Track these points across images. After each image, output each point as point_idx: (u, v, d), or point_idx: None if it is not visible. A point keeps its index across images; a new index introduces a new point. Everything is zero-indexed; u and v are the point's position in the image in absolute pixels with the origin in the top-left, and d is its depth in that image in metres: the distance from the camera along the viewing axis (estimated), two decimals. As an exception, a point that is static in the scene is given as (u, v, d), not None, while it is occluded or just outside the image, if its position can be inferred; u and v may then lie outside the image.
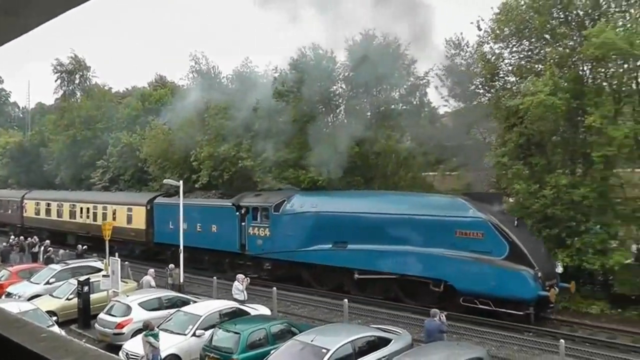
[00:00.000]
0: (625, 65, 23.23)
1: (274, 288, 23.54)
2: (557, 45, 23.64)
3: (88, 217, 40.76)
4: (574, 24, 23.67)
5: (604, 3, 23.19)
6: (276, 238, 27.99)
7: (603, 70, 23.90)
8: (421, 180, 32.15)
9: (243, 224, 29.58)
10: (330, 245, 25.67)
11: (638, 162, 24.63)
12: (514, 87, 26.16)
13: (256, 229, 28.90)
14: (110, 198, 40.80)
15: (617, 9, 23.32)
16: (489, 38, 26.65)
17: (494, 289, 20.61)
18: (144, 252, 37.02)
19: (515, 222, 21.90)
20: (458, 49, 28.00)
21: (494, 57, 26.71)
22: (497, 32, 26.11)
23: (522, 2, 25.29)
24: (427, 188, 30.74)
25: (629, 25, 22.50)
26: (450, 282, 21.98)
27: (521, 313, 20.20)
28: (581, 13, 23.50)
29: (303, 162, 30.39)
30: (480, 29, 26.81)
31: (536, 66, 24.43)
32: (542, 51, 24.06)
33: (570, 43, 23.48)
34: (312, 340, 14.23)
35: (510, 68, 26.45)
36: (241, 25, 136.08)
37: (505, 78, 26.89)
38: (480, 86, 27.73)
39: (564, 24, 23.86)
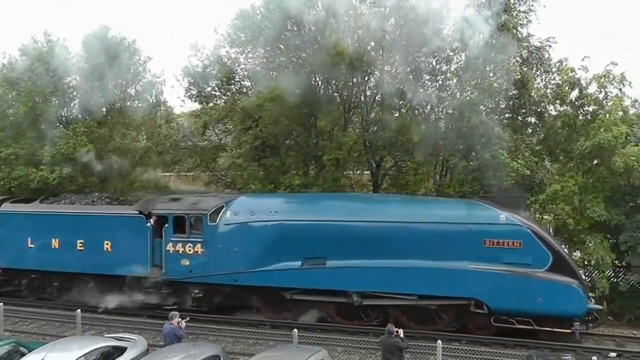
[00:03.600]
0: (355, 79, 24.68)
1: (0, 304, 19.78)
2: (292, 56, 24.05)
3: None
4: (306, 37, 24.02)
5: (334, 22, 23.73)
6: (213, 256, 20.94)
7: (334, 82, 24.97)
8: (157, 180, 30.51)
9: (158, 239, 21.93)
10: (300, 263, 19.87)
11: (366, 165, 26.39)
12: (249, 92, 26.17)
13: (180, 245, 21.42)
14: None
15: (346, 29, 24.02)
16: (226, 42, 26.25)
17: (540, 305, 17.58)
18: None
19: (550, 228, 19.48)
20: (195, 50, 26.95)
21: (230, 61, 26.38)
22: (234, 37, 25.81)
23: (258, 12, 25.26)
24: (162, 188, 29.26)
25: (357, 45, 23.67)
26: (481, 300, 18.26)
27: (569, 330, 17.92)
28: (313, 28, 23.91)
29: (35, 159, 26.59)
30: (217, 32, 26.45)
31: (271, 73, 24.53)
32: (276, 60, 24.31)
33: (304, 55, 24.02)
34: (43, 359, 13.21)
35: (246, 73, 26.40)
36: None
37: (241, 82, 26.77)
38: (216, 88, 27.23)
39: (297, 37, 24.16)
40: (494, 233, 18.19)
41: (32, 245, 23.70)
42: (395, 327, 14.84)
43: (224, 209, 21.06)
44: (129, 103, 29.99)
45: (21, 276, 24.34)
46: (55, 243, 23.33)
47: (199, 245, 21.18)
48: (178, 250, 21.48)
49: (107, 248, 22.54)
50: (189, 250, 21.33)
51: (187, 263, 21.35)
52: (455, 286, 18.29)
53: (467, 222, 18.57)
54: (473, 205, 19.38)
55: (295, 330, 16.50)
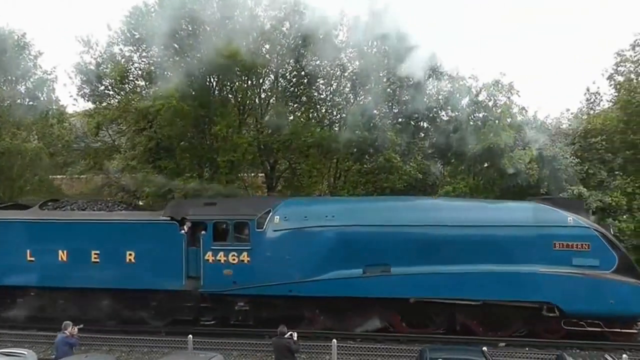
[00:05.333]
0: (249, 82, 24.62)
1: None
2: (186, 56, 23.55)
3: None
4: (201, 38, 23.64)
5: (228, 23, 23.57)
6: (262, 265, 19.02)
7: (229, 84, 24.80)
8: (49, 183, 29.29)
9: (193, 247, 19.62)
10: (361, 271, 18.53)
11: (261, 167, 26.37)
12: (143, 92, 25.44)
13: (222, 253, 19.26)
14: None
15: (241, 30, 23.67)
16: (119, 40, 25.45)
17: (612, 307, 17.43)
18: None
19: (611, 230, 19.11)
20: (87, 46, 25.86)
21: (124, 60, 25.54)
22: (128, 34, 25.09)
23: (152, 9, 24.69)
24: (55, 192, 28.21)
25: (251, 46, 23.64)
26: (555, 303, 17.81)
27: (635, 331, 18.05)
28: (208, 28, 23.70)
29: None
30: (110, 29, 25.43)
31: (165, 73, 23.83)
32: (171, 59, 23.71)
33: (198, 55, 23.46)
34: None
35: (140, 72, 25.64)
36: None
37: (135, 81, 25.99)
38: (110, 87, 26.16)
39: (192, 37, 23.86)
40: (563, 236, 17.91)
41: (32, 259, 20.46)
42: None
43: (270, 213, 19.36)
44: (19, 101, 28.59)
45: (15, 294, 20.95)
46: (62, 255, 20.25)
47: (244, 254, 19.17)
48: (219, 260, 19.30)
49: (129, 259, 19.83)
50: (233, 260, 19.26)
51: (231, 273, 19.26)
52: (528, 290, 17.83)
53: (536, 224, 18.14)
54: (539, 208, 18.75)
55: (190, 336, 16.37)
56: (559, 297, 17.69)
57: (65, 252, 20.13)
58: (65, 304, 20.41)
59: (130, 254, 19.77)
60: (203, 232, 19.43)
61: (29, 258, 20.44)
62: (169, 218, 19.85)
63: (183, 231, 19.52)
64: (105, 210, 21.11)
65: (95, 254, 19.97)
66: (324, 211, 19.34)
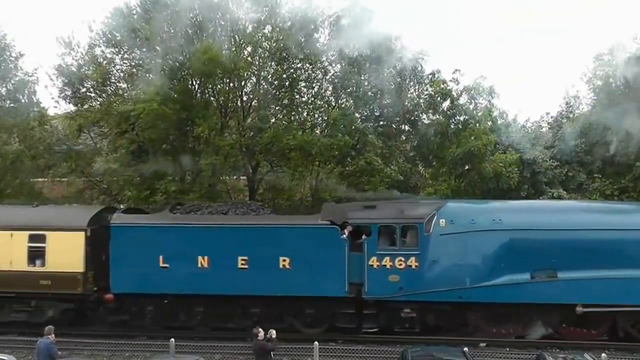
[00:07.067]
0: (231, 84, 24.49)
1: None
2: (168, 58, 23.40)
3: None
4: (183, 40, 23.49)
5: (211, 25, 23.70)
6: (431, 270, 18.20)
7: (211, 86, 24.60)
8: (30, 186, 28.45)
9: (355, 253, 18.59)
10: (528, 276, 17.90)
11: (243, 170, 25.92)
12: (125, 94, 25.24)
13: (388, 258, 18.31)
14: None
15: (223, 33, 24.08)
16: (101, 41, 25.25)
17: None
18: (66, 312, 19.98)
19: None
20: (69, 47, 25.60)
21: (105, 61, 25.33)
22: (109, 36, 24.89)
23: (134, 11, 24.53)
24: (36, 195, 28.15)
25: (234, 49, 23.68)
26: None
27: None
28: (190, 31, 23.60)
29: None
30: (92, 30, 25.26)
31: (147, 75, 23.75)
32: (152, 62, 23.49)
33: (180, 58, 23.47)
34: None
35: (122, 74, 25.45)
36: None
37: (117, 84, 25.76)
38: (92, 89, 25.92)
39: (173, 39, 23.55)
40: None
41: (166, 265, 19.21)
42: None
43: (436, 217, 18.48)
44: (-1, 104, 28.42)
45: (144, 302, 19.72)
46: (203, 261, 19.15)
47: (412, 259, 18.27)
48: (385, 265, 18.37)
49: (284, 265, 18.79)
50: (400, 265, 18.33)
51: (397, 279, 18.35)
52: None
53: None
54: None
55: (172, 339, 16.40)
56: None
57: (205, 257, 19.13)
58: (205, 312, 19.59)
59: (284, 260, 18.82)
60: (365, 236, 18.65)
61: (162, 264, 19.25)
62: (328, 222, 18.92)
63: (344, 236, 18.64)
64: (250, 214, 20.06)
65: (242, 259, 18.99)
66: (490, 214, 18.69)
